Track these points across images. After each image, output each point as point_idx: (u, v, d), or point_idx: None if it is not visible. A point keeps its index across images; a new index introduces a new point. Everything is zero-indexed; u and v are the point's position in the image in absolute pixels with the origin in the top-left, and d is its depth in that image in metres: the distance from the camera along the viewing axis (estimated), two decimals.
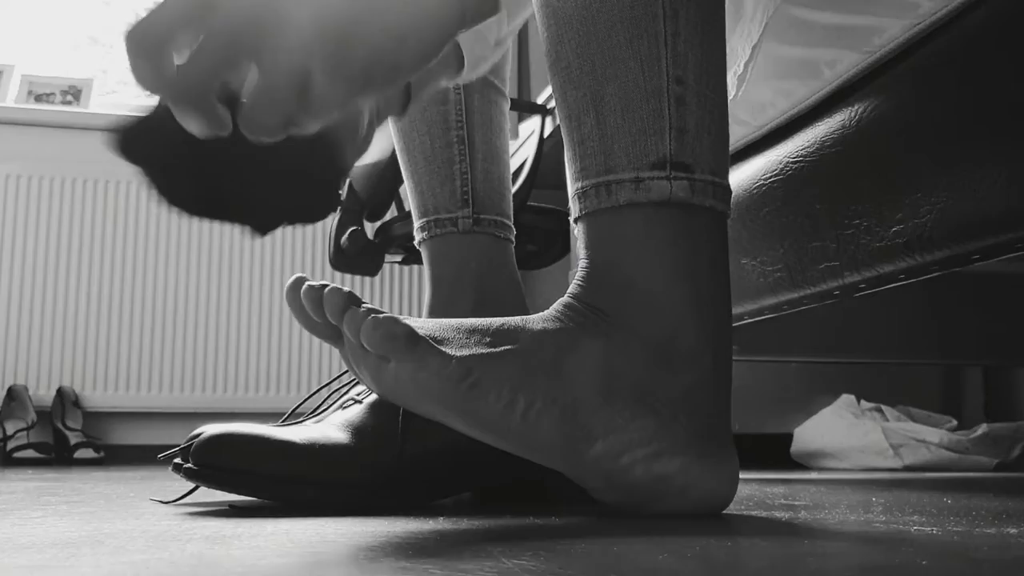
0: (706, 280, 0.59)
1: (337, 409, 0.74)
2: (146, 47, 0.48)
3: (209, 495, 0.75)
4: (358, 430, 0.68)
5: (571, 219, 0.61)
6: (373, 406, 0.70)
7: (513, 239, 0.90)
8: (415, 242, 0.89)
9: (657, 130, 0.58)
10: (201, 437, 0.66)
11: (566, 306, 0.59)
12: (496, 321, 0.58)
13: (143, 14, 0.49)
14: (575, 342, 0.57)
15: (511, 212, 0.91)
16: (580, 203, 0.60)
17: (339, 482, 0.64)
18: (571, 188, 0.61)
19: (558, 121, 0.63)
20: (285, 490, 0.64)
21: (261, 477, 0.64)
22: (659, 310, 0.57)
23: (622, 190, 0.58)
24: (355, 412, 0.70)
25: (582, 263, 0.60)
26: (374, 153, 1.74)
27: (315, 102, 0.49)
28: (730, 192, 0.60)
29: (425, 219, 0.88)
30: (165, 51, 0.49)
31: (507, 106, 0.93)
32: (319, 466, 0.65)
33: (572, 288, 0.60)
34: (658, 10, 0.58)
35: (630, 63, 0.58)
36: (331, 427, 0.69)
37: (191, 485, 0.69)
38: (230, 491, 0.64)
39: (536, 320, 0.58)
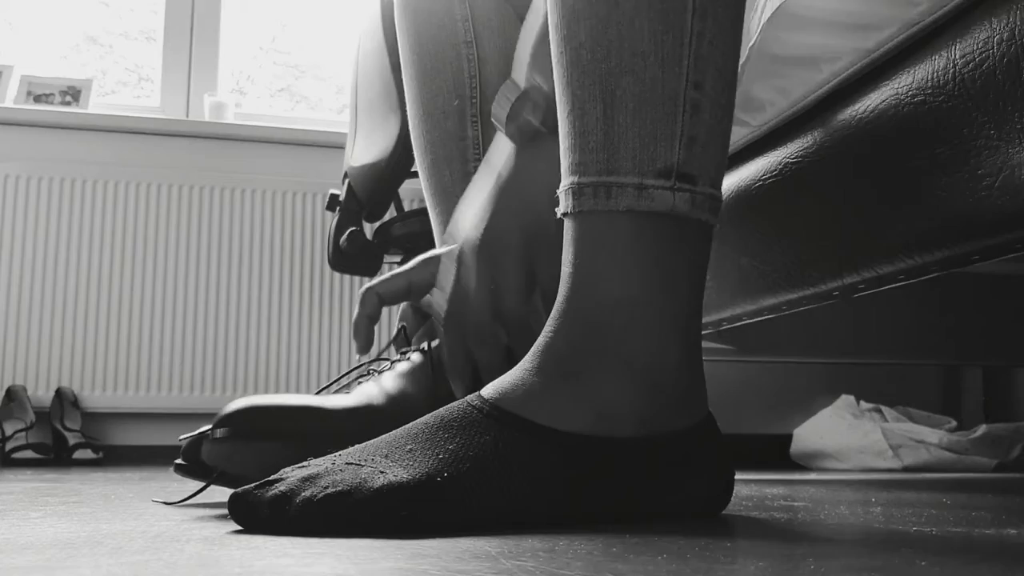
0: (687, 297, 0.57)
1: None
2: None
3: (209, 496, 0.75)
4: (390, 394, 0.70)
5: (559, 211, 0.59)
6: (403, 374, 0.72)
7: None
8: None
9: (668, 136, 0.55)
10: (232, 405, 0.68)
11: (543, 352, 0.57)
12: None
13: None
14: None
15: None
16: (575, 199, 0.57)
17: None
18: (565, 179, 0.58)
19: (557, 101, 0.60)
20: (323, 447, 0.63)
21: (299, 434, 0.65)
22: (645, 330, 0.56)
23: (623, 195, 0.55)
24: (386, 378, 0.73)
25: (566, 271, 0.58)
26: (373, 153, 1.74)
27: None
28: (721, 203, 0.58)
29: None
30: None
31: None
32: (358, 422, 0.66)
33: (556, 316, 0.58)
34: (688, 4, 0.54)
35: (650, 59, 0.54)
36: (361, 395, 0.71)
37: (191, 487, 0.69)
38: (261, 456, 0.64)
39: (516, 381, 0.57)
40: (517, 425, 0.54)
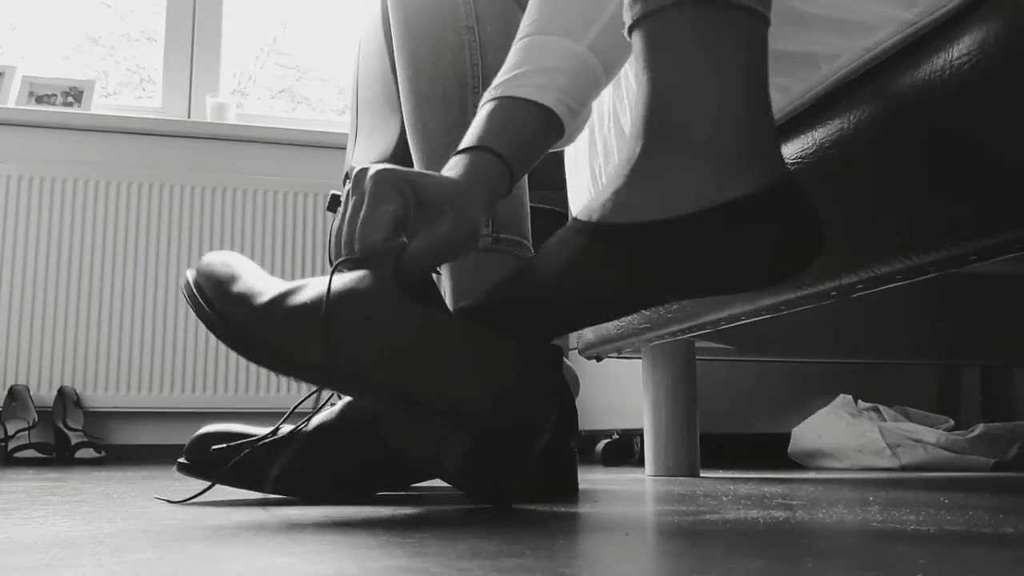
0: (744, 73, 0.61)
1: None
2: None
3: (211, 495, 0.75)
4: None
5: (625, 30, 0.63)
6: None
7: None
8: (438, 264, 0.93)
9: None
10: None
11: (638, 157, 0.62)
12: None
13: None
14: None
15: (529, 233, 0.94)
16: (642, 4, 0.61)
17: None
18: None
19: None
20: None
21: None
22: (702, 107, 0.60)
23: None
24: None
25: (638, 86, 0.62)
26: (374, 154, 1.74)
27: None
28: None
29: None
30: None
31: None
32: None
33: (632, 126, 0.62)
34: None
35: None
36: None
37: (193, 486, 0.69)
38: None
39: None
40: (590, 232, 0.62)
